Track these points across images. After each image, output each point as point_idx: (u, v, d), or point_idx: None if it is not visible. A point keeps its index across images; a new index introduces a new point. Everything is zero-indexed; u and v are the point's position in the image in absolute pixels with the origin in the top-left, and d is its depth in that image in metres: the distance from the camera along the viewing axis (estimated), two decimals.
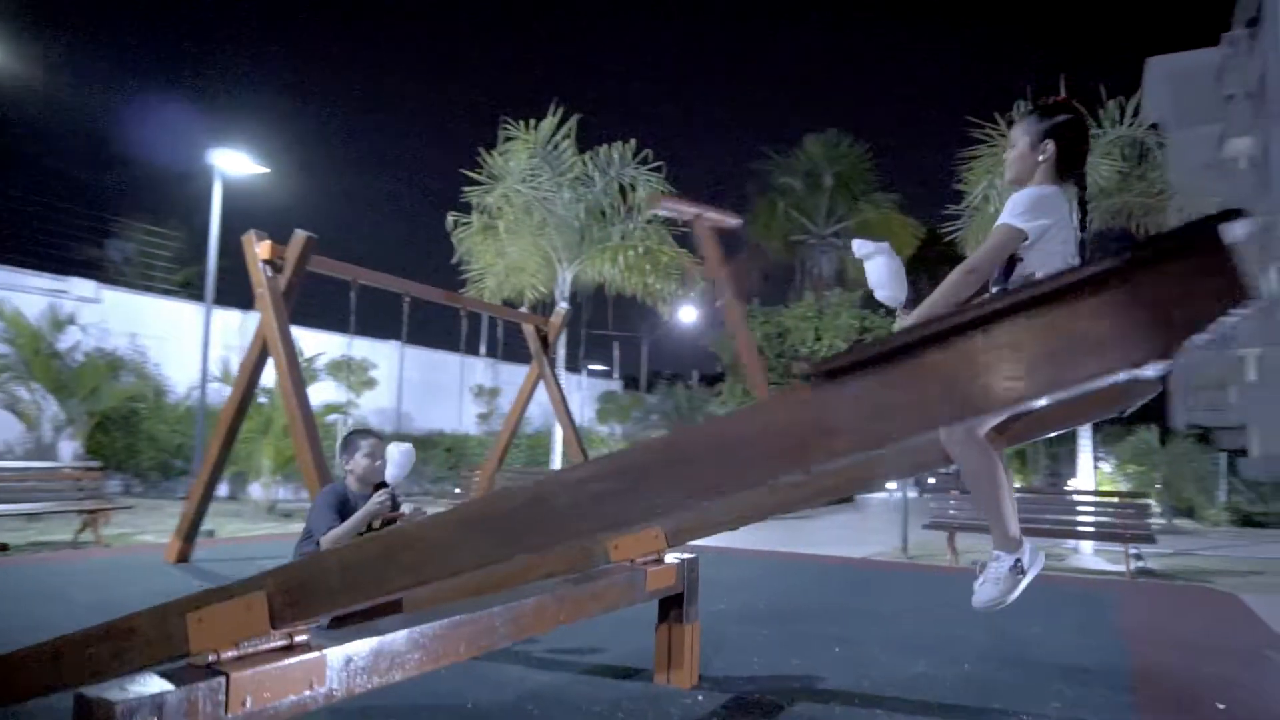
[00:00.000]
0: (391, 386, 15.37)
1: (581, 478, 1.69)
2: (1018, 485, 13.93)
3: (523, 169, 11.61)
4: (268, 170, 10.99)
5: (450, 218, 12.07)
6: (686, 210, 8.58)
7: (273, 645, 2.11)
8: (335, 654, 2.16)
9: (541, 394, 9.92)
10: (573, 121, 12.03)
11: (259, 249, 6.65)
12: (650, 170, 12.30)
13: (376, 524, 4.17)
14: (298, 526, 11.25)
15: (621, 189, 12.34)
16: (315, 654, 2.12)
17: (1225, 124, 35.00)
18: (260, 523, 10.46)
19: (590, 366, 29.99)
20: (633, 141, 12.22)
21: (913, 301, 2.83)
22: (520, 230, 11.61)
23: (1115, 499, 8.30)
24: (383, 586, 1.86)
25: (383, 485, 4.24)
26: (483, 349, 19.15)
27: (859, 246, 3.22)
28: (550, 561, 3.83)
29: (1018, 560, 2.75)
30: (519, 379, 22.01)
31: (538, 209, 11.74)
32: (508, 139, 11.93)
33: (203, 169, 10.95)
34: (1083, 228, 2.49)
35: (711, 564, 8.46)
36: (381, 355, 16.16)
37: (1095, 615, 6.05)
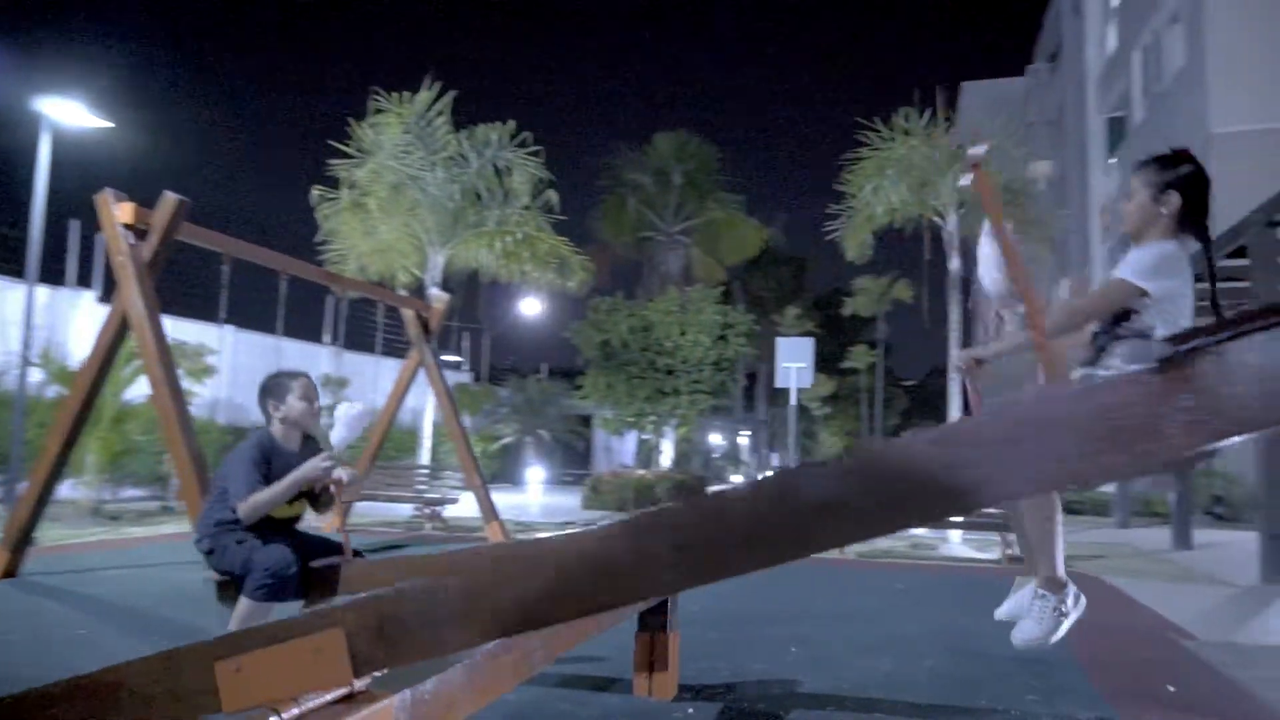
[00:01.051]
0: (229, 375, 14.01)
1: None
2: None
3: (395, 144, 10.82)
4: (110, 125, 9.57)
5: (315, 192, 11.09)
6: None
7: (333, 697, 1.66)
8: (403, 700, 1.74)
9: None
10: (448, 98, 11.37)
11: (117, 211, 5.73)
12: (529, 155, 11.83)
13: (317, 491, 3.62)
14: (134, 531, 10.00)
15: (498, 172, 11.79)
16: (383, 703, 1.69)
17: (1028, 148, 38.46)
18: (86, 527, 9.16)
19: (443, 358, 28.87)
20: (511, 123, 11.71)
21: (1006, 298, 2.69)
22: (392, 209, 10.82)
23: None
24: (529, 617, 1.46)
25: (311, 439, 3.69)
26: (326, 337, 17.90)
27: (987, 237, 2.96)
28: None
29: (1062, 601, 2.67)
30: (365, 369, 20.92)
31: (410, 188, 10.99)
32: (378, 111, 11.10)
33: (26, 118, 9.38)
34: (1211, 280, 2.37)
35: None
36: (215, 340, 14.68)
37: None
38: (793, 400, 9.47)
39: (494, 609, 1.46)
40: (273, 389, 3.67)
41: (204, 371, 11.76)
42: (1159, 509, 13.46)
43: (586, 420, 24.40)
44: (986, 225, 2.60)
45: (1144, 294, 2.34)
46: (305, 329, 17.71)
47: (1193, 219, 2.45)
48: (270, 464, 3.55)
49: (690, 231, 29.86)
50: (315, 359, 17.20)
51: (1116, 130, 21.95)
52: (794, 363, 9.32)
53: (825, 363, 40.84)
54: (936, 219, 10.18)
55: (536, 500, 17.87)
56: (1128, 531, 12.29)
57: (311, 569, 3.48)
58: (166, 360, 5.70)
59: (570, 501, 16.88)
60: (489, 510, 8.78)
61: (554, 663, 3.97)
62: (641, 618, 3.70)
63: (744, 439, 38.97)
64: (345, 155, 11.02)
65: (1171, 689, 4.06)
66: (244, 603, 3.49)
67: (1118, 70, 21.09)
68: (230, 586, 3.50)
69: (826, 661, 4.35)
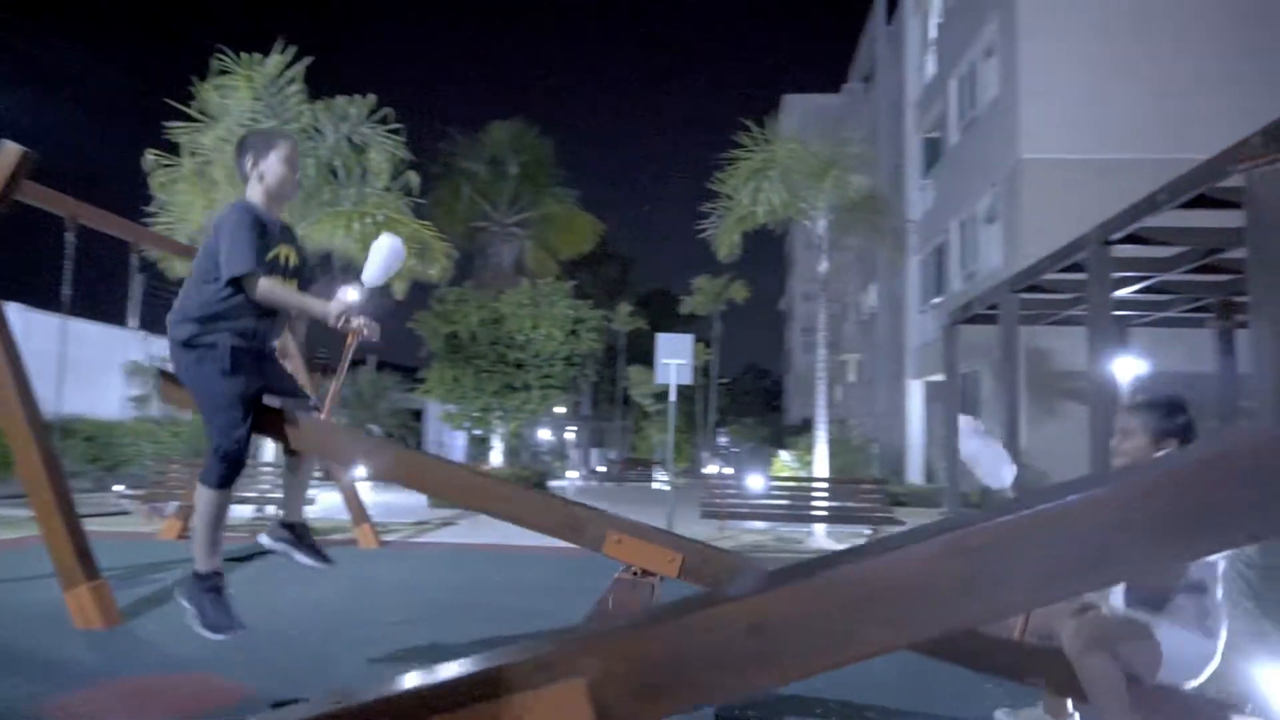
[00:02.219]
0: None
1: None
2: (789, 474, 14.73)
3: (243, 110, 9.79)
4: None
5: (149, 156, 9.81)
6: None
7: None
8: None
9: None
10: (301, 65, 10.44)
11: None
12: (389, 132, 11.11)
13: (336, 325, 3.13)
14: None
15: (355, 149, 10.98)
16: None
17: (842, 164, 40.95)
18: None
19: None
20: (371, 97, 10.93)
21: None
22: (239, 180, 9.75)
23: (863, 485, 9.11)
24: (844, 651, 1.24)
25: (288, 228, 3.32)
26: (132, 321, 16.06)
27: (971, 425, 3.08)
28: (532, 515, 3.16)
29: None
30: None
31: None
32: (223, 72, 10.00)
33: None
34: None
35: (480, 563, 7.86)
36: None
37: None
38: (672, 397, 9.47)
39: (800, 646, 1.23)
40: (255, 143, 3.21)
41: None
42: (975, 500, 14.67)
43: (418, 414, 23.46)
44: (965, 425, 2.77)
45: None
46: (108, 312, 15.84)
47: None
48: (264, 235, 3.06)
49: (525, 223, 29.40)
50: (119, 344, 15.42)
51: (932, 150, 23.70)
52: (674, 359, 9.31)
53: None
54: (806, 222, 10.52)
55: (371, 499, 16.89)
56: None
57: (268, 407, 3.09)
58: (8, 342, 4.81)
59: (410, 499, 16.09)
60: (359, 512, 8.14)
61: None
62: None
63: (570, 435, 38.93)
64: (187, 118, 9.84)
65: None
66: (203, 491, 3.04)
67: (935, 95, 22.77)
68: (173, 383, 3.11)
69: None
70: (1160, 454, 2.63)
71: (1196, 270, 10.15)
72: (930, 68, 23.60)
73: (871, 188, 10.63)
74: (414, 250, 11.38)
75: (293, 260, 3.21)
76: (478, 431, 18.20)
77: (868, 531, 9.79)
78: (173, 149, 9.98)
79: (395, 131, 11.11)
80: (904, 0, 27.26)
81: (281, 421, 3.10)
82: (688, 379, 9.38)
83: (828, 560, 1.36)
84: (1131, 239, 8.66)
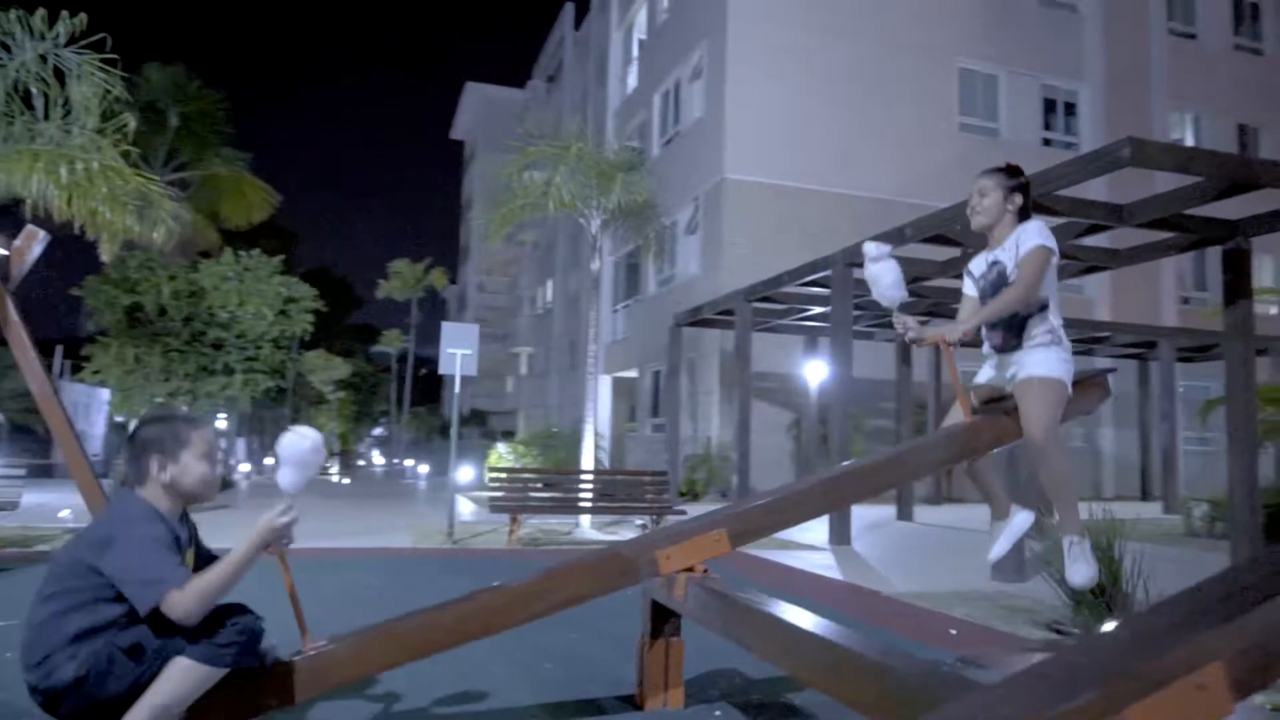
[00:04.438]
0: None
1: None
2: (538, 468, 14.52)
3: None
4: None
5: None
6: None
7: None
8: None
9: None
10: None
11: None
12: (102, 63, 9.27)
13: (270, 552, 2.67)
14: None
15: (60, 75, 9.01)
16: None
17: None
18: None
19: None
20: (82, 16, 9.03)
21: (905, 306, 3.38)
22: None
23: (646, 478, 9.52)
24: None
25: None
26: None
27: (874, 249, 3.56)
28: (577, 583, 3.04)
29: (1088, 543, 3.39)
30: None
31: None
32: None
33: None
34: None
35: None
36: None
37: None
38: (455, 389, 9.08)
39: None
40: (161, 440, 2.58)
41: None
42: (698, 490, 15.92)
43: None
44: (871, 249, 3.28)
45: (1052, 253, 3.24)
46: None
47: (1025, 215, 3.41)
48: (176, 541, 2.56)
49: (186, 184, 25.87)
50: None
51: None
52: (458, 349, 8.96)
53: (332, 343, 38.90)
54: (581, 220, 10.70)
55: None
56: None
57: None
58: None
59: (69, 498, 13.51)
60: None
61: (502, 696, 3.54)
62: (655, 625, 3.48)
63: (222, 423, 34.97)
64: None
65: (953, 631, 5.13)
66: (190, 669, 2.48)
67: (636, 107, 24.11)
68: None
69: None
70: (1009, 205, 3.32)
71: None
72: (633, 80, 24.94)
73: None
74: (135, 209, 9.63)
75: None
76: (119, 419, 15.87)
77: (639, 522, 10.27)
78: None
79: (110, 62, 9.31)
80: (602, 10, 28.45)
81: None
82: (472, 370, 9.09)
83: None
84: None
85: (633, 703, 3.53)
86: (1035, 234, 3.24)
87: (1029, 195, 3.44)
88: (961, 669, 3.91)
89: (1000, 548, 3.58)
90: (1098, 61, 20.77)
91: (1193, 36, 22.04)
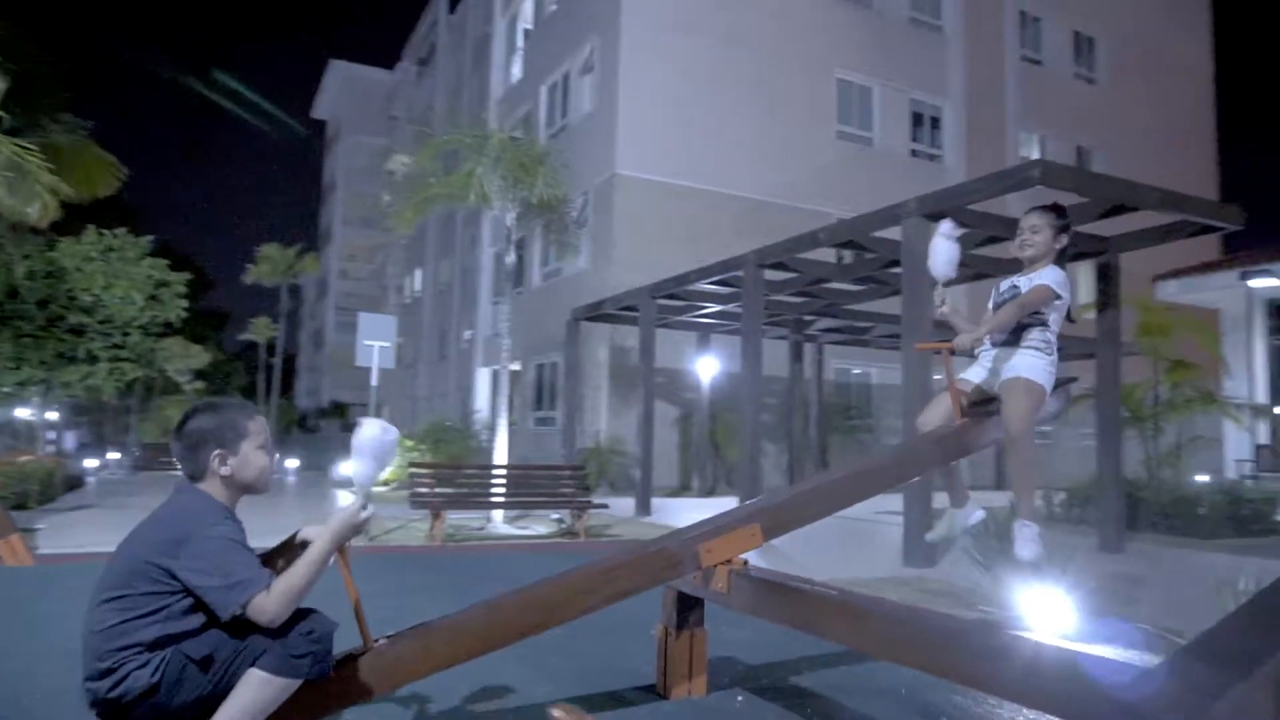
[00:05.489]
0: None
1: None
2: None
3: None
4: None
5: None
6: None
7: None
8: None
9: None
10: None
11: None
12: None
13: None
14: None
15: None
16: None
17: (390, 140, 40.22)
18: None
19: None
20: None
21: (951, 281, 3.73)
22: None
23: (564, 472, 9.53)
24: None
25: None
26: None
27: (949, 227, 3.87)
28: (628, 577, 3.13)
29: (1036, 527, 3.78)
30: None
31: None
32: None
33: None
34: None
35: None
36: None
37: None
38: (373, 381, 8.75)
39: None
40: (219, 431, 2.48)
41: None
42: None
43: None
44: (946, 226, 3.66)
45: (1058, 298, 3.64)
46: None
47: (1068, 257, 3.81)
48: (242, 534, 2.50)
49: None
50: None
51: None
52: (376, 341, 8.66)
53: (192, 330, 36.25)
54: (495, 211, 10.53)
55: None
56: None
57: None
58: None
59: None
60: (5, 523, 6.23)
61: (529, 686, 3.58)
62: (680, 615, 3.59)
63: (52, 414, 32.05)
64: None
65: None
66: (265, 682, 2.41)
67: (522, 97, 23.85)
68: None
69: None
70: (1058, 245, 3.67)
71: (798, 294, 12.62)
72: (517, 70, 24.63)
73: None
74: (6, 180, 8.74)
75: None
76: None
77: (555, 516, 10.28)
78: None
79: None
80: None
81: None
82: (390, 362, 8.82)
83: None
84: (778, 266, 10.53)
85: (654, 692, 3.64)
86: (1050, 275, 3.59)
87: (1071, 237, 3.79)
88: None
89: (939, 531, 3.96)
90: (959, 80, 22.29)
91: (1039, 63, 24.04)
